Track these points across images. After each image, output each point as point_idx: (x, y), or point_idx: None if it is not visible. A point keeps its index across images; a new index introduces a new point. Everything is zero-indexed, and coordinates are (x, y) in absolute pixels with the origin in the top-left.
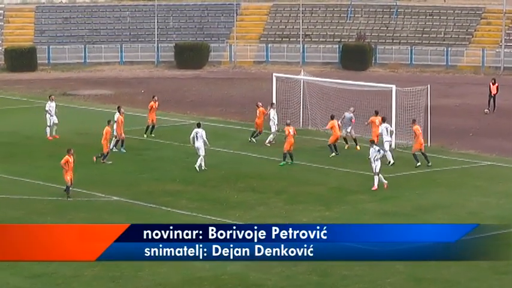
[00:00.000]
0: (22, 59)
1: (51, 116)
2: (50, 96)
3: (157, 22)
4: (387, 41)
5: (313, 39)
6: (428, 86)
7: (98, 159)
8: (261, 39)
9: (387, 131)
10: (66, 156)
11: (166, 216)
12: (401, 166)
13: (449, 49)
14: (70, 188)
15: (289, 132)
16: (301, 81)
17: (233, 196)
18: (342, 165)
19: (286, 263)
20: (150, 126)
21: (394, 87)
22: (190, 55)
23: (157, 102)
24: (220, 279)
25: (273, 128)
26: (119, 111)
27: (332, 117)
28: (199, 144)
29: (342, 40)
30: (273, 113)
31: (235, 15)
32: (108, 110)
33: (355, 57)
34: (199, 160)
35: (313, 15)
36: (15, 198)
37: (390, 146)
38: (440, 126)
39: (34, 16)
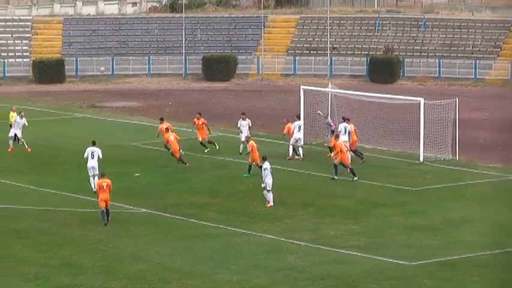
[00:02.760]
0: (50, 70)
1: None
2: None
3: (185, 34)
4: (415, 54)
5: (340, 52)
6: (456, 99)
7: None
8: (289, 51)
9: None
10: (99, 180)
11: (194, 228)
12: (430, 180)
13: (477, 62)
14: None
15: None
16: (329, 94)
17: (260, 208)
18: (368, 177)
19: (313, 276)
20: (200, 143)
21: (422, 100)
22: (218, 67)
23: (201, 119)
24: None
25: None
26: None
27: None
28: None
29: (370, 53)
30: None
31: (262, 27)
32: (136, 122)
33: (383, 70)
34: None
35: (340, 27)
36: (42, 210)
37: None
38: (468, 139)
39: (62, 28)
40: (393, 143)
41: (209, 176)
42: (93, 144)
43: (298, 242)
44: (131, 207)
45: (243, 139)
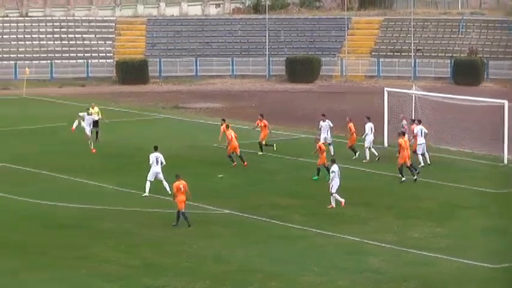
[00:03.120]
0: (133, 71)
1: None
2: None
3: (268, 36)
4: (499, 56)
5: (424, 54)
6: None
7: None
8: (372, 53)
9: (421, 132)
10: (176, 182)
11: (277, 229)
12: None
13: None
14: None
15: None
16: (413, 96)
17: (344, 210)
18: (452, 180)
19: (396, 278)
20: (259, 143)
21: (506, 102)
22: (302, 69)
23: (263, 121)
24: None
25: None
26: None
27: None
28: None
29: (454, 55)
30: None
31: (346, 29)
32: (219, 123)
33: (467, 72)
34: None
35: (424, 29)
36: (125, 210)
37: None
38: None
39: (145, 29)
40: (477, 145)
41: (290, 178)
42: (155, 149)
43: (381, 244)
44: (214, 208)
45: (323, 141)
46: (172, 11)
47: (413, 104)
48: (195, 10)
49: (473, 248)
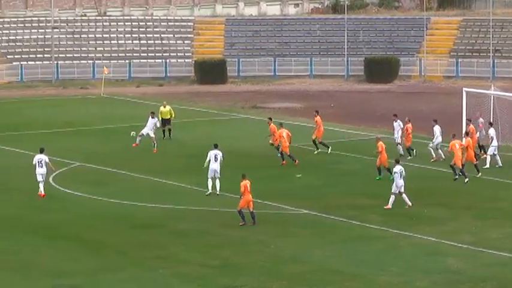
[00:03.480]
0: (212, 71)
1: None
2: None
3: (347, 36)
4: None
5: (503, 54)
6: None
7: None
8: (451, 53)
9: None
10: (244, 181)
11: (355, 230)
12: None
13: None
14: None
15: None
16: (491, 97)
17: (422, 211)
18: None
19: (474, 279)
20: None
21: None
22: (380, 69)
23: (317, 117)
24: None
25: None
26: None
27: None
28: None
29: None
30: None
31: (425, 29)
32: (298, 123)
33: None
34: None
35: (503, 30)
36: (205, 210)
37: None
38: None
39: (224, 29)
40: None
41: (369, 178)
42: (215, 147)
43: (459, 245)
44: (292, 208)
45: (398, 141)
46: (251, 11)
47: (492, 105)
48: (273, 10)
49: None
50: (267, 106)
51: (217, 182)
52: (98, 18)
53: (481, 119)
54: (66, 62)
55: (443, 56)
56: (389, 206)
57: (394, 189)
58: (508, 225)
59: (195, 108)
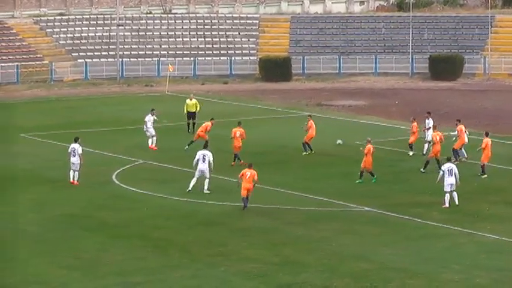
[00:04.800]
0: (277, 69)
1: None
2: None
3: (412, 33)
4: None
5: None
6: None
7: None
8: None
9: None
10: (245, 169)
11: (418, 228)
12: None
13: None
14: (246, 201)
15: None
16: None
17: (484, 208)
18: None
19: None
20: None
21: None
22: (445, 67)
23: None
24: None
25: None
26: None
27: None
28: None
29: None
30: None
31: (489, 27)
32: (364, 121)
33: None
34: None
35: None
36: (269, 208)
37: None
38: None
39: (289, 26)
40: None
41: (431, 176)
42: (205, 147)
43: None
44: (355, 205)
45: (429, 139)
46: (316, 9)
47: None
48: (338, 7)
49: None
50: (332, 104)
51: (206, 182)
52: (163, 15)
53: None
54: (131, 59)
55: (508, 54)
56: (447, 204)
57: (446, 187)
58: None
59: (260, 106)
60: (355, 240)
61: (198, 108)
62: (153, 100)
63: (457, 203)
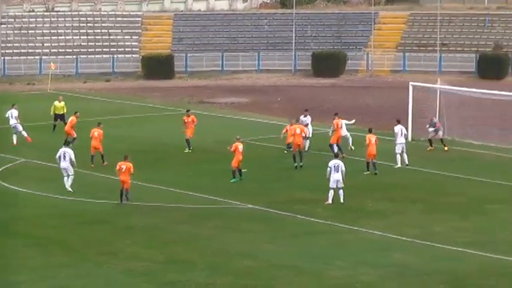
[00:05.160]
0: (159, 66)
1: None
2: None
3: (295, 30)
4: None
5: (450, 49)
6: None
7: None
8: (398, 48)
9: (401, 132)
10: (121, 162)
11: (302, 225)
12: None
13: None
14: (127, 194)
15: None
16: (438, 91)
17: (368, 205)
18: (478, 174)
19: (420, 272)
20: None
21: None
22: (327, 63)
23: (191, 117)
24: (353, 287)
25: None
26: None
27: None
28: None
29: (479, 49)
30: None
31: (372, 23)
32: (246, 118)
33: (492, 67)
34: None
35: (450, 24)
36: (154, 206)
37: (402, 149)
38: None
39: (172, 24)
40: (501, 139)
41: (315, 173)
42: (65, 144)
43: (405, 239)
44: (238, 203)
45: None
46: (200, 6)
47: (438, 98)
48: (222, 5)
49: (498, 243)
50: (215, 101)
51: (70, 179)
52: (45, 13)
53: (435, 119)
54: (13, 57)
55: (390, 51)
56: (329, 201)
57: (331, 184)
58: (453, 219)
59: (142, 104)
60: (240, 237)
61: (66, 111)
62: (35, 98)
63: (342, 201)
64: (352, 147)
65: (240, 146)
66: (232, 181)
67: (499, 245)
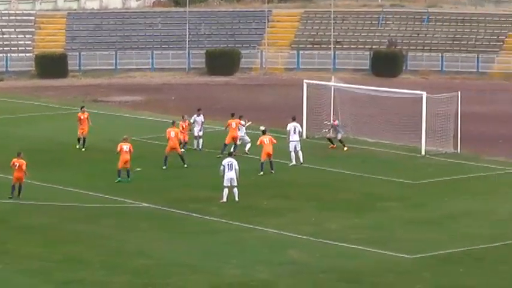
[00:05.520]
0: (53, 65)
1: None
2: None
3: (188, 29)
4: (418, 47)
5: (344, 46)
6: (459, 92)
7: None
8: (292, 45)
9: (295, 130)
10: (15, 159)
11: (197, 223)
12: (432, 173)
13: (480, 56)
14: (15, 189)
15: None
16: (332, 88)
17: (263, 203)
18: (370, 171)
19: (315, 270)
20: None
21: (424, 94)
22: (221, 62)
23: (86, 113)
24: (249, 285)
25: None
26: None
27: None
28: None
29: (373, 47)
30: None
31: (266, 21)
32: (139, 117)
33: (386, 64)
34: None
35: (344, 21)
36: (48, 205)
37: (295, 147)
38: (470, 133)
39: (65, 22)
40: (395, 136)
41: (210, 171)
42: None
43: (300, 236)
44: (134, 201)
45: (196, 134)
46: (93, 4)
47: (332, 96)
48: (115, 3)
49: (391, 239)
50: (109, 100)
51: None
52: None
53: (337, 121)
54: None
55: (284, 48)
56: (224, 199)
57: (225, 182)
58: (347, 217)
59: (36, 103)
60: (135, 236)
61: None
62: None
63: (236, 199)
64: (248, 152)
65: (125, 146)
66: (116, 181)
67: (394, 242)
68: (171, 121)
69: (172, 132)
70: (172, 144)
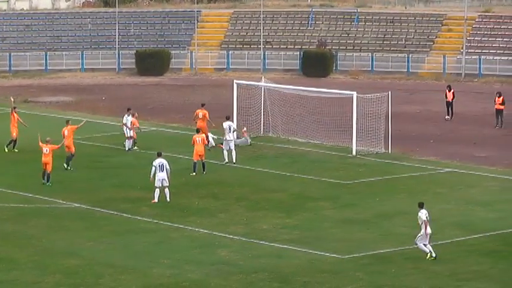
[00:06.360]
0: None
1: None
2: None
3: (118, 29)
4: (348, 47)
5: (274, 46)
6: (389, 92)
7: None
8: (222, 46)
9: (230, 128)
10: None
11: (127, 223)
12: (363, 173)
13: (410, 56)
14: None
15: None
16: (262, 88)
17: (194, 203)
18: (301, 171)
19: (246, 270)
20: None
21: (355, 94)
22: (151, 62)
23: (16, 114)
24: (181, 286)
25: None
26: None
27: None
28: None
29: (303, 47)
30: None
31: (196, 22)
32: (70, 117)
33: (316, 64)
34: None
35: (274, 22)
36: None
37: (230, 146)
38: (401, 132)
39: None
40: (326, 136)
41: (142, 171)
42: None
43: (231, 236)
44: (63, 201)
45: (128, 135)
46: (23, 5)
47: (263, 96)
48: (45, 4)
49: (323, 239)
50: (39, 100)
51: None
52: None
53: (244, 128)
54: None
55: (214, 49)
56: (156, 199)
57: (157, 183)
58: (278, 216)
59: None
60: (65, 236)
61: None
62: None
63: (168, 199)
64: (209, 150)
65: (45, 149)
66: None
67: (325, 242)
68: (195, 129)
69: (198, 139)
70: (199, 151)
